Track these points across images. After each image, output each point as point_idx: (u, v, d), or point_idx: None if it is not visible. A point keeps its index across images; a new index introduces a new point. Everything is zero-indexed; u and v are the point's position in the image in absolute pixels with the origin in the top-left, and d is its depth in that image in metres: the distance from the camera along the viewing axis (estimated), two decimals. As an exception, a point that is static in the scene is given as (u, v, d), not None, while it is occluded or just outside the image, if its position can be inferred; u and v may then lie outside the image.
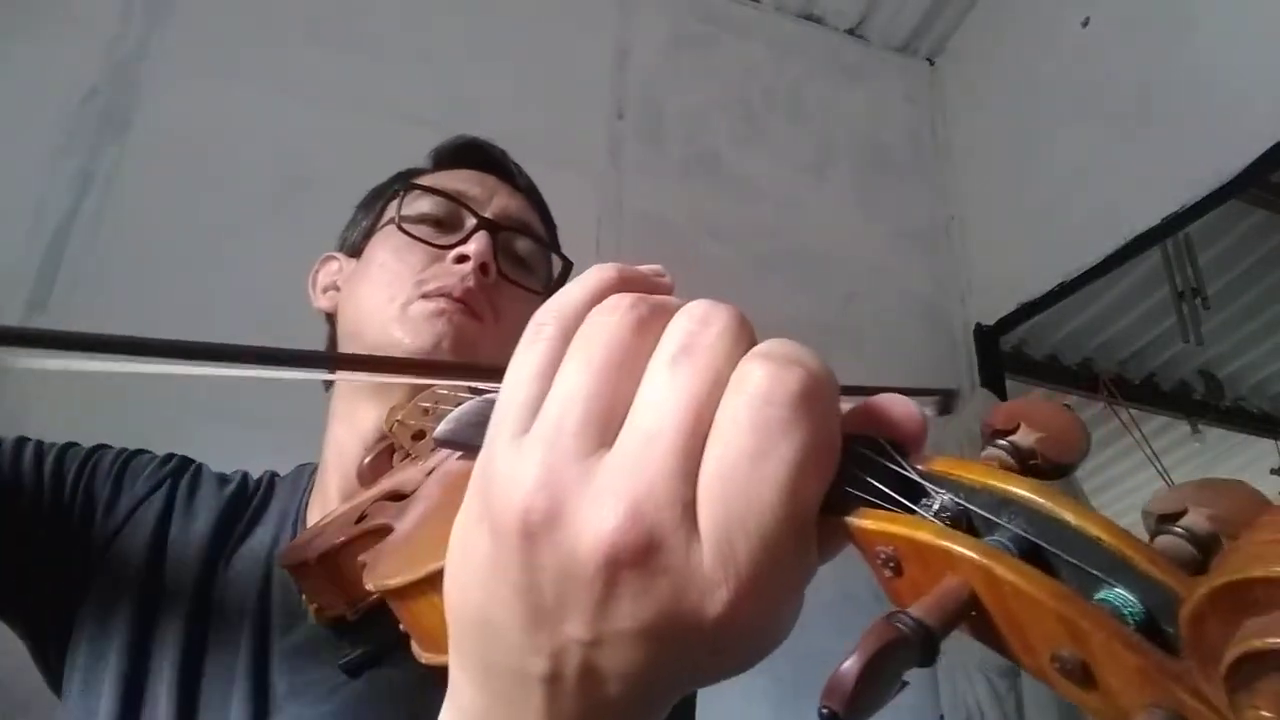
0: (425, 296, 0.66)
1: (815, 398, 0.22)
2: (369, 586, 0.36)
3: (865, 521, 0.22)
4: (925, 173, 2.38)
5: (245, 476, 0.75)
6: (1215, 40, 1.66)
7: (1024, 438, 0.23)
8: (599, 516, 0.22)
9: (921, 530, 0.21)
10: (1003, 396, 2.13)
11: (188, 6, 1.74)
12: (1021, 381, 2.78)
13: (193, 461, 0.74)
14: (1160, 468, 3.04)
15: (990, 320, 2.18)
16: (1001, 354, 2.23)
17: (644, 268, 0.29)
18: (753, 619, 0.23)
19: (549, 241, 0.80)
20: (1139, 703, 0.17)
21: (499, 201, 0.74)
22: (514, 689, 0.25)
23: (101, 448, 0.71)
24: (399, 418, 0.54)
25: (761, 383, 0.22)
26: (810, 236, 2.15)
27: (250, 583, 0.62)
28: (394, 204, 0.72)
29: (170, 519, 0.67)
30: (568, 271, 0.79)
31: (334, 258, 0.78)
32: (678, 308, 0.25)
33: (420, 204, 0.72)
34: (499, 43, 1.98)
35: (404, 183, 0.75)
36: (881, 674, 0.18)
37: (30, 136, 1.52)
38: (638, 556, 0.22)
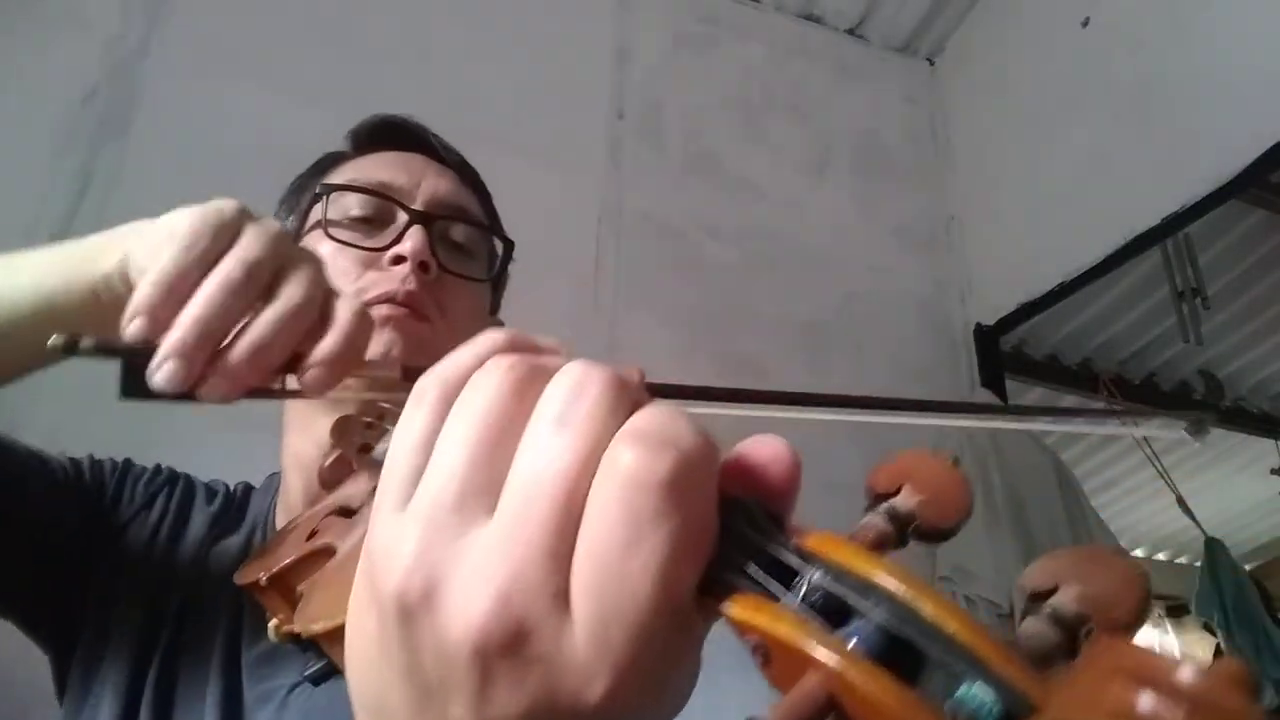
0: (367, 304, 0.64)
1: (687, 482, 0.21)
2: (296, 629, 0.35)
3: (734, 609, 0.22)
4: (925, 173, 2.38)
5: (227, 488, 0.75)
6: (1215, 40, 1.66)
7: (905, 500, 0.23)
8: (468, 602, 0.21)
9: (781, 624, 0.20)
10: (1003, 396, 2.13)
11: (188, 6, 1.74)
12: (1021, 381, 2.78)
13: (181, 475, 0.74)
14: (1160, 468, 3.05)
15: (990, 320, 2.18)
16: (1001, 354, 2.23)
17: (541, 339, 0.28)
18: (636, 699, 0.22)
19: (487, 223, 0.75)
20: None
21: (428, 186, 0.69)
22: None
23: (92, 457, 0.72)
24: (343, 432, 0.53)
25: (631, 468, 0.21)
26: (810, 236, 2.15)
27: (225, 592, 0.62)
28: (319, 206, 0.68)
29: (162, 531, 0.67)
30: (510, 251, 0.75)
31: None
32: (558, 369, 0.24)
33: (346, 203, 0.67)
34: (499, 43, 1.98)
35: (323, 177, 0.71)
36: None
37: (30, 136, 1.52)
38: (506, 647, 0.21)
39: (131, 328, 0.37)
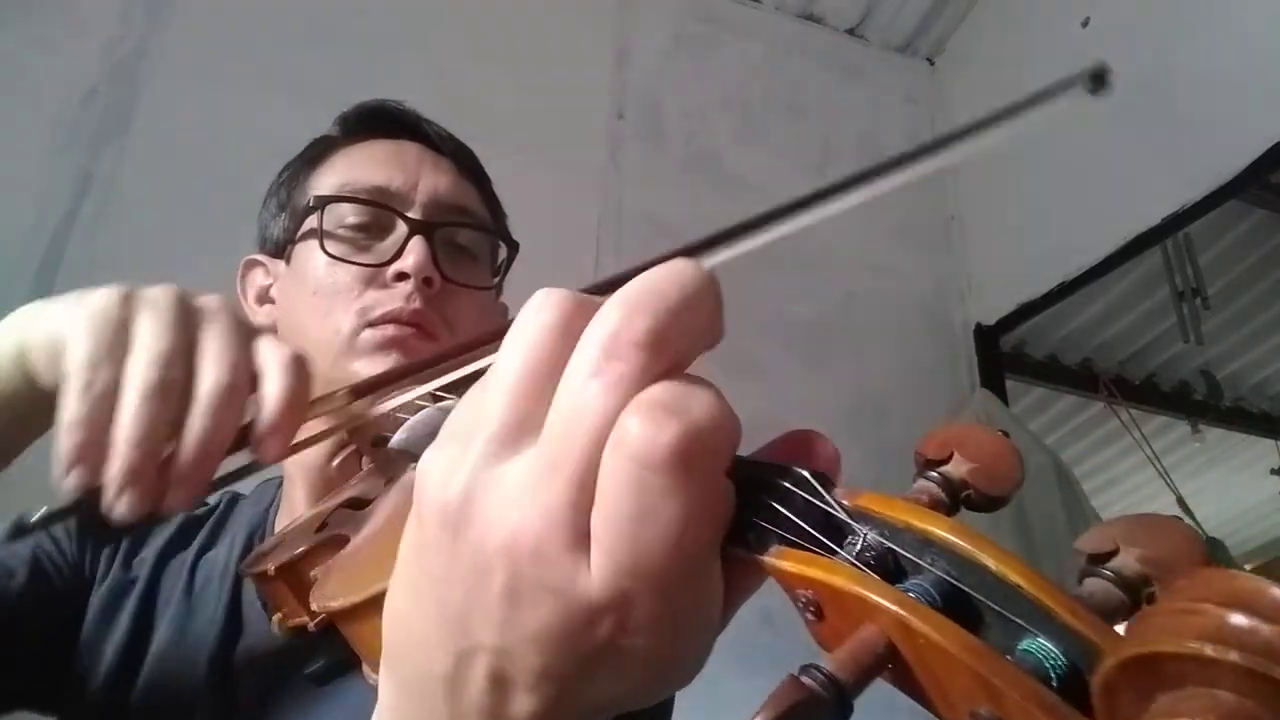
0: (372, 324, 0.61)
1: (694, 456, 0.21)
2: (314, 607, 0.35)
3: (783, 562, 0.21)
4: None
5: (206, 503, 0.72)
6: (1215, 40, 1.66)
7: (956, 468, 0.22)
8: (500, 520, 0.22)
9: (838, 575, 0.20)
10: (1003, 396, 2.13)
11: (188, 6, 1.74)
12: (1021, 381, 2.78)
13: None
14: (1160, 468, 3.04)
15: (990, 320, 2.18)
16: (1001, 354, 2.23)
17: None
18: (648, 651, 0.22)
19: (490, 223, 0.72)
20: None
21: (426, 185, 0.66)
22: (423, 691, 0.25)
23: None
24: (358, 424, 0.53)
25: (637, 443, 0.21)
26: (810, 236, 2.13)
27: (212, 598, 0.61)
28: (314, 217, 0.65)
29: (113, 561, 0.64)
30: (514, 253, 0.73)
31: (258, 262, 0.72)
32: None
33: (341, 211, 0.65)
34: (499, 43, 1.98)
35: (313, 167, 0.69)
36: None
37: (30, 136, 1.52)
38: (532, 561, 0.22)
39: (70, 482, 0.36)
